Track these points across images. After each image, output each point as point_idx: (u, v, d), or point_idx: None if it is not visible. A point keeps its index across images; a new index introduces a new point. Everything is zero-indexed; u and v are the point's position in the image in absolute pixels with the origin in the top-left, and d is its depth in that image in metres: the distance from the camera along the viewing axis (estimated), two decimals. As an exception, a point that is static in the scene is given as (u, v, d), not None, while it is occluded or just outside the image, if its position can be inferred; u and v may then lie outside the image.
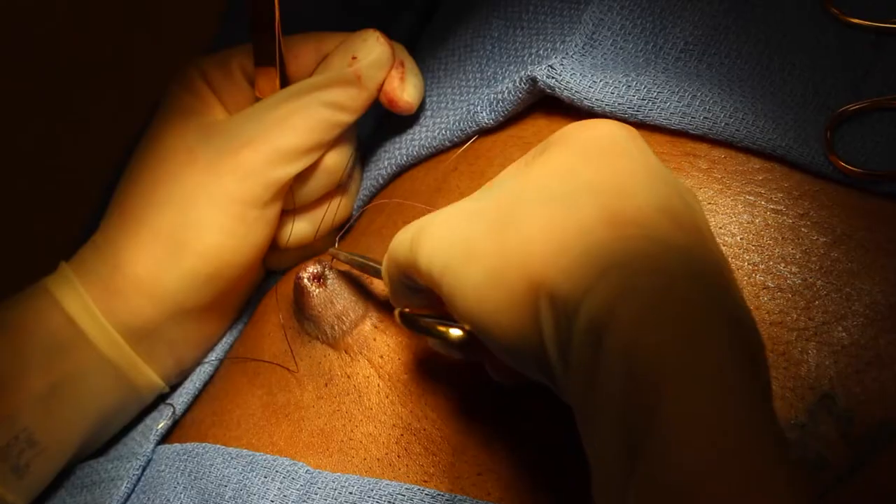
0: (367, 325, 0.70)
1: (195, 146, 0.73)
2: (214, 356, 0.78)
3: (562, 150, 0.57)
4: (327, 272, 0.72)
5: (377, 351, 0.69)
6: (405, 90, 0.77)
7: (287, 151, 0.73)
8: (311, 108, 0.73)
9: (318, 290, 0.72)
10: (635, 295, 0.50)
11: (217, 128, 0.74)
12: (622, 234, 0.52)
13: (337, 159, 0.77)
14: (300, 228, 0.78)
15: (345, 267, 0.72)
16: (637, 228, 0.52)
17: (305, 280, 0.72)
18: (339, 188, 0.79)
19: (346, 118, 0.75)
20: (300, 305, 0.72)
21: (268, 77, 0.75)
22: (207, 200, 0.72)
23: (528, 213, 0.55)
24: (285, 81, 0.76)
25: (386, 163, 0.79)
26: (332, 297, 0.71)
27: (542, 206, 0.55)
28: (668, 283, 0.50)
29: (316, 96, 0.73)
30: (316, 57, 0.77)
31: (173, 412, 0.76)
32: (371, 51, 0.75)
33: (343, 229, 0.80)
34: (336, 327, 0.71)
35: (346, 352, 0.70)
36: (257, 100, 0.75)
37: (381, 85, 0.76)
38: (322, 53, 0.77)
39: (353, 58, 0.74)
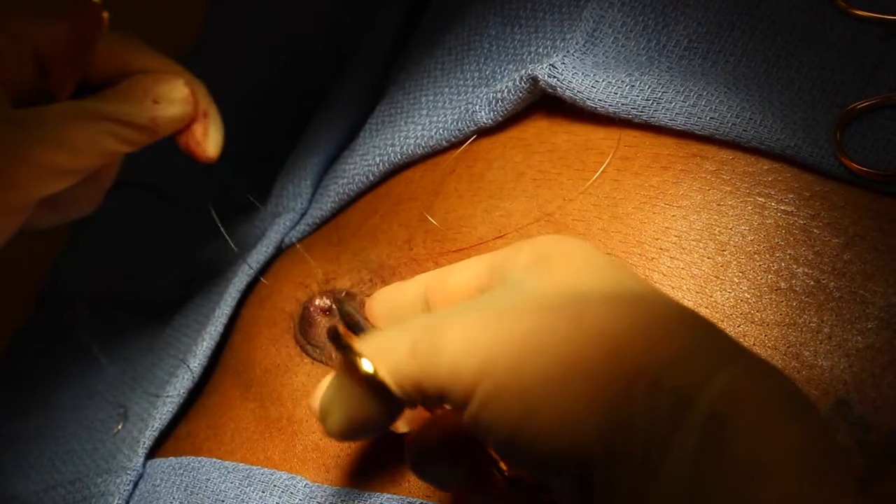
0: None
1: None
2: (198, 363, 0.76)
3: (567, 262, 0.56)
4: (335, 306, 0.71)
5: None
6: (208, 146, 0.75)
7: (58, 171, 0.69)
8: (95, 135, 0.70)
9: (324, 321, 0.70)
10: (766, 388, 0.50)
11: None
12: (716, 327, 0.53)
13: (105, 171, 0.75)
14: (48, 219, 0.76)
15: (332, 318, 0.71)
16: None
17: (313, 312, 0.71)
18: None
19: (126, 150, 0.72)
20: (306, 334, 0.71)
21: (64, 73, 0.72)
22: None
23: (598, 309, 0.52)
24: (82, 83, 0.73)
25: (378, 159, 0.76)
26: (336, 324, 0.70)
27: (612, 301, 0.53)
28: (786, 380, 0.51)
29: (105, 126, 0.70)
30: (118, 66, 0.74)
31: (160, 423, 0.75)
32: (175, 105, 0.72)
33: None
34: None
35: None
36: (42, 92, 0.72)
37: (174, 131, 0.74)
38: (125, 67, 0.73)
39: (155, 101, 0.72)
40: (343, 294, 0.71)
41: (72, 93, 0.72)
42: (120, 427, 0.77)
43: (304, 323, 0.71)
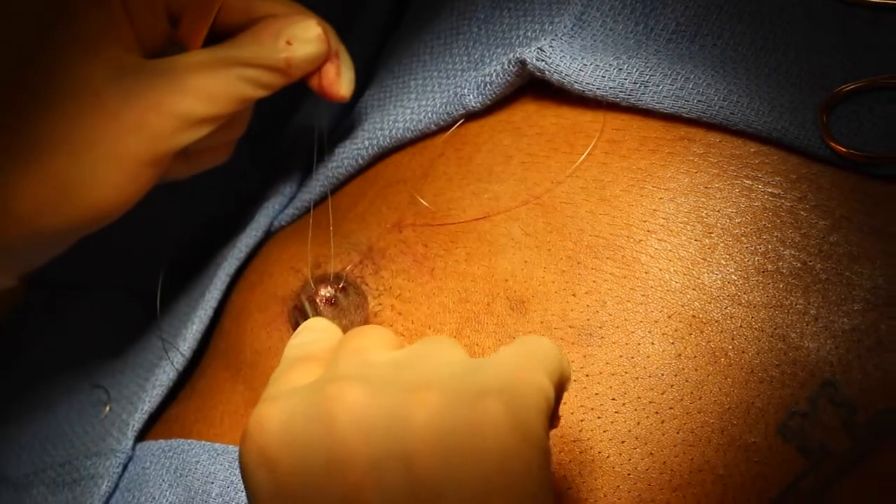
0: None
1: (103, 90, 0.69)
2: (187, 346, 0.76)
3: None
4: (338, 294, 0.71)
5: None
6: (342, 85, 0.75)
7: (196, 120, 0.70)
8: (230, 82, 0.70)
9: (328, 310, 0.70)
10: None
11: (129, 74, 0.69)
12: None
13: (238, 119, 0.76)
14: (183, 170, 0.76)
15: None
16: None
17: (319, 303, 0.71)
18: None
19: (261, 95, 0.72)
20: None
21: (194, 23, 0.72)
22: (105, 154, 0.69)
23: None
24: (210, 32, 0.73)
25: (367, 143, 0.77)
26: (339, 316, 0.70)
27: None
28: None
29: (239, 71, 0.70)
30: (245, 15, 0.73)
31: (149, 406, 0.75)
32: (309, 44, 0.72)
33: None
34: None
35: None
36: (173, 43, 0.72)
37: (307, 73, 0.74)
38: (254, 13, 0.73)
39: (288, 42, 0.72)
40: (338, 286, 0.72)
41: (202, 42, 0.72)
42: (108, 410, 0.77)
43: (309, 312, 0.71)
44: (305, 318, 0.70)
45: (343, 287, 0.70)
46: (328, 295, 0.71)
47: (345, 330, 0.68)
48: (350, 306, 0.70)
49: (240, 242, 0.79)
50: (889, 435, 0.62)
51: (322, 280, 0.72)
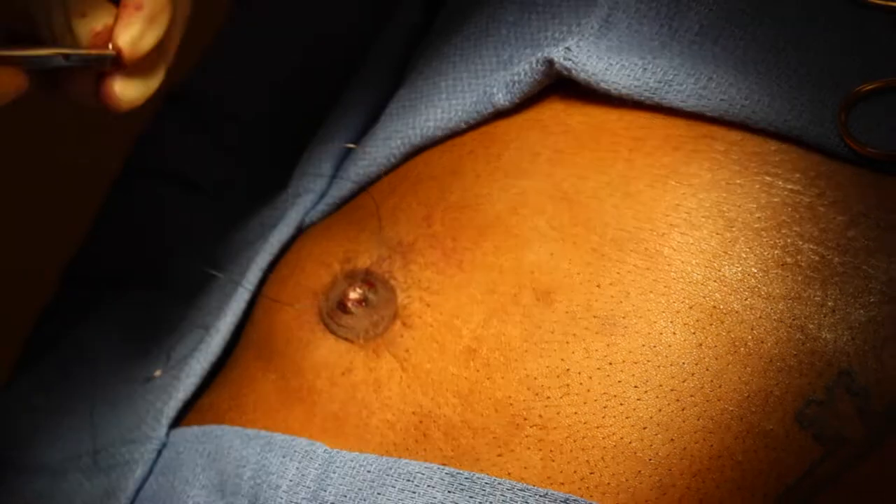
0: (398, 325, 0.71)
1: None
2: (220, 337, 0.78)
3: None
4: (369, 294, 0.73)
5: (403, 346, 0.70)
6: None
7: None
8: None
9: (359, 310, 0.72)
10: None
11: None
12: None
13: None
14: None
15: None
16: None
17: (349, 304, 0.73)
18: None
19: None
20: (337, 320, 0.73)
21: None
22: None
23: None
24: None
25: (399, 142, 0.78)
26: (370, 312, 0.72)
27: None
28: None
29: None
30: None
31: (183, 395, 0.77)
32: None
33: None
34: (370, 332, 0.71)
35: (374, 350, 0.71)
36: None
37: None
38: None
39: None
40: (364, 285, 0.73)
41: None
42: (158, 373, 0.79)
43: (340, 310, 0.73)
44: (339, 312, 0.72)
45: (372, 284, 0.72)
46: (357, 297, 0.72)
47: (374, 326, 0.71)
48: (379, 302, 0.72)
49: (272, 238, 0.81)
50: (903, 424, 0.63)
51: (351, 276, 0.73)
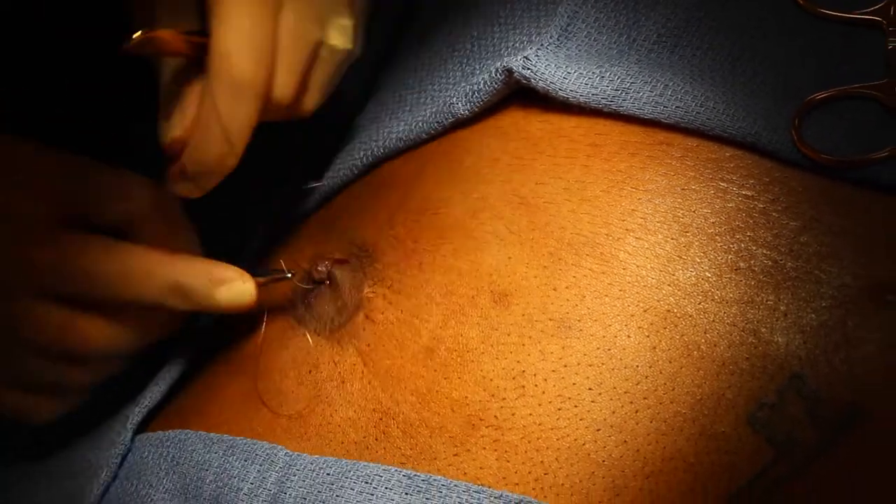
0: (361, 316, 0.71)
1: None
2: (189, 347, 0.79)
3: None
4: (335, 271, 0.74)
5: (365, 340, 0.70)
6: None
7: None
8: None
9: (325, 288, 0.73)
10: None
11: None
12: None
13: None
14: None
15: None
16: None
17: (316, 279, 0.74)
18: None
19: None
20: (309, 303, 0.74)
21: None
22: None
23: None
24: None
25: (361, 154, 0.79)
26: (336, 294, 0.73)
27: None
28: None
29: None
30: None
31: (149, 402, 0.77)
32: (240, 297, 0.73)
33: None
34: (335, 321, 0.72)
35: (338, 342, 0.71)
36: None
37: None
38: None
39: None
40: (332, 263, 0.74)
41: None
42: None
43: (307, 292, 0.74)
44: (310, 294, 0.74)
45: (342, 261, 0.74)
46: (324, 270, 0.73)
47: (339, 313, 0.71)
48: (345, 284, 0.72)
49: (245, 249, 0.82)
50: (852, 427, 0.64)
51: (320, 258, 0.74)
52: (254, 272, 0.73)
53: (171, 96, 0.68)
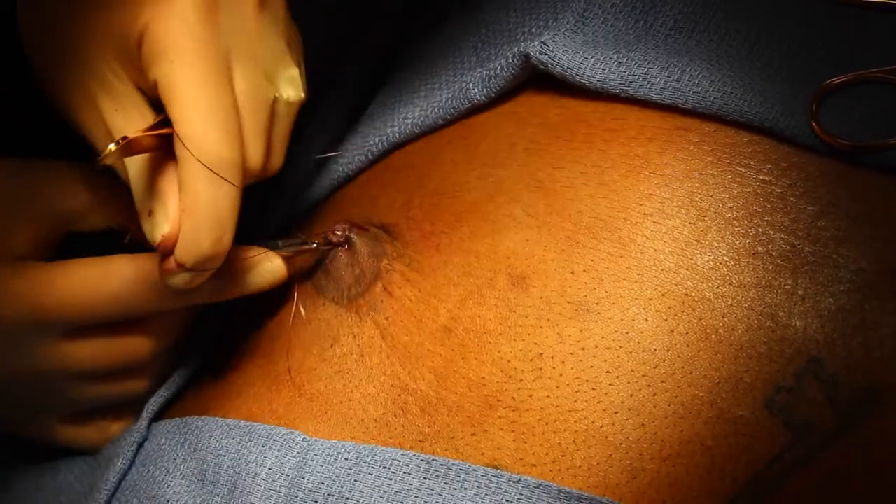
0: (378, 287, 0.72)
1: None
2: (208, 337, 0.80)
3: None
4: (352, 236, 0.74)
5: (383, 313, 0.71)
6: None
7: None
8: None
9: (345, 255, 0.74)
10: None
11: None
12: None
13: None
14: None
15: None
16: None
17: (335, 243, 0.74)
18: None
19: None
20: (327, 268, 0.74)
21: None
22: None
23: None
24: None
25: (376, 140, 0.80)
26: (354, 260, 0.73)
27: None
28: None
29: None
30: None
31: (164, 391, 0.78)
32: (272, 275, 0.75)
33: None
34: (353, 289, 0.72)
35: (356, 312, 0.72)
36: None
37: None
38: None
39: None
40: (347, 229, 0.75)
41: None
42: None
43: (326, 255, 0.74)
44: (329, 259, 0.74)
45: (359, 227, 0.74)
46: (340, 234, 0.74)
47: (357, 282, 0.72)
48: (363, 252, 0.73)
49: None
50: (870, 410, 0.64)
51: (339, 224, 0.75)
52: (276, 246, 0.73)
53: (144, 193, 0.67)
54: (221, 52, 0.66)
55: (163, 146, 0.65)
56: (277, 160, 0.71)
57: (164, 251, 0.66)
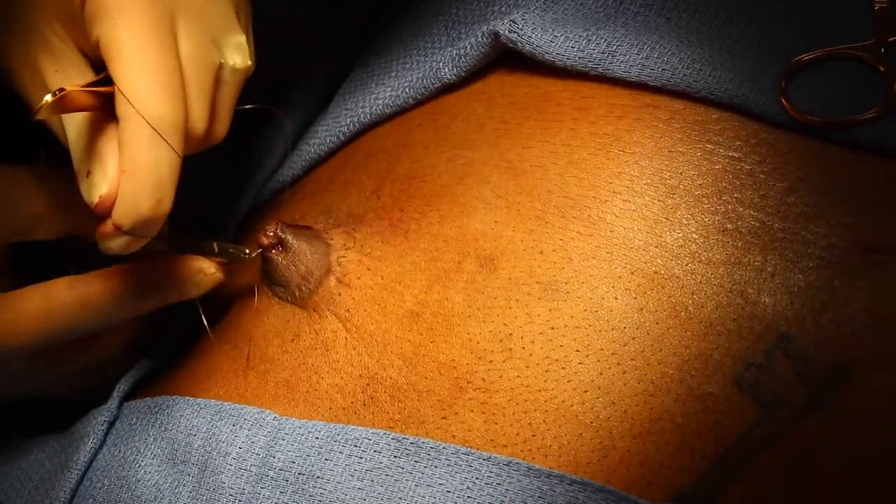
0: (332, 281, 0.71)
1: None
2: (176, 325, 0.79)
3: None
4: (286, 236, 0.73)
5: (343, 305, 0.70)
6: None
7: None
8: None
9: (281, 257, 0.73)
10: None
11: None
12: None
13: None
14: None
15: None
16: None
17: (268, 247, 0.73)
18: None
19: None
20: (268, 273, 0.74)
21: None
22: None
23: None
24: None
25: (348, 121, 0.79)
26: (295, 260, 0.72)
27: None
28: None
29: None
30: None
31: (135, 371, 0.77)
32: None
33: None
34: (303, 287, 0.72)
35: (314, 310, 0.71)
36: None
37: None
38: None
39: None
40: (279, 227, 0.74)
41: None
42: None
43: (264, 262, 0.73)
44: (267, 268, 0.74)
45: (294, 226, 0.73)
46: (271, 236, 0.73)
47: (305, 280, 0.71)
48: (303, 251, 0.72)
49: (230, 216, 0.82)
50: (840, 386, 0.64)
51: (270, 226, 0.74)
52: (211, 250, 0.73)
53: (83, 153, 0.65)
54: (167, 13, 0.65)
55: (104, 107, 0.64)
56: (221, 127, 0.70)
57: (102, 213, 0.64)
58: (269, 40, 1.00)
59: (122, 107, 0.62)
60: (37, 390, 0.76)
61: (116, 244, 0.64)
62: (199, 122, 0.66)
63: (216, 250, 0.73)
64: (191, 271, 0.72)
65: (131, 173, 0.62)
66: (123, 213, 0.63)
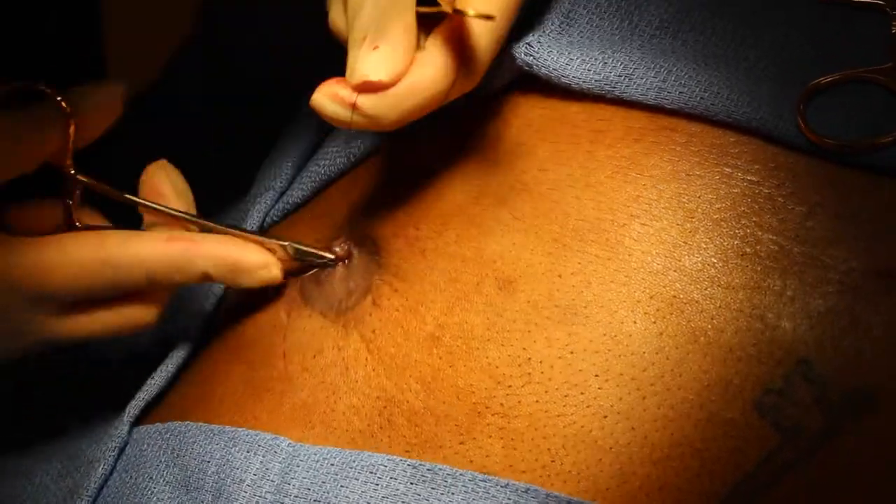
0: (369, 301, 0.71)
1: None
2: (187, 339, 0.79)
3: None
4: (354, 250, 0.73)
5: (370, 325, 0.70)
6: None
7: None
8: None
9: (341, 269, 0.73)
10: None
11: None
12: None
13: None
14: None
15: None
16: None
17: (338, 259, 0.74)
18: None
19: None
20: (320, 280, 0.74)
21: None
22: None
23: None
24: None
25: (359, 141, 0.79)
26: (349, 274, 0.73)
27: None
28: None
29: None
30: None
31: (146, 395, 0.77)
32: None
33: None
34: (343, 302, 0.72)
35: (343, 326, 0.71)
36: None
37: None
38: None
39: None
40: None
41: None
42: None
43: (321, 270, 0.74)
44: (325, 273, 0.74)
45: (360, 243, 0.74)
46: (344, 248, 0.74)
47: (348, 296, 0.71)
48: (358, 268, 0.73)
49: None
50: (860, 413, 0.64)
51: (341, 240, 0.75)
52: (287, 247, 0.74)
53: (378, 24, 0.63)
54: None
55: None
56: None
57: (372, 89, 0.63)
58: (277, 62, 1.00)
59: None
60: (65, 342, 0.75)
61: (354, 119, 0.64)
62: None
63: (291, 252, 0.74)
64: (255, 262, 0.72)
65: (433, 69, 0.64)
66: (403, 96, 0.63)
